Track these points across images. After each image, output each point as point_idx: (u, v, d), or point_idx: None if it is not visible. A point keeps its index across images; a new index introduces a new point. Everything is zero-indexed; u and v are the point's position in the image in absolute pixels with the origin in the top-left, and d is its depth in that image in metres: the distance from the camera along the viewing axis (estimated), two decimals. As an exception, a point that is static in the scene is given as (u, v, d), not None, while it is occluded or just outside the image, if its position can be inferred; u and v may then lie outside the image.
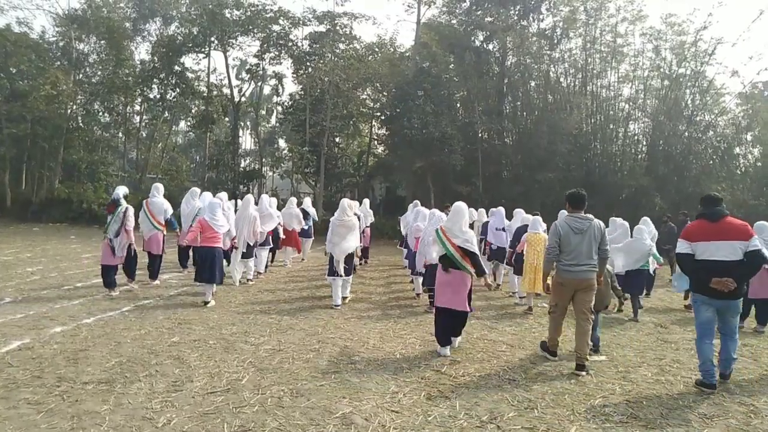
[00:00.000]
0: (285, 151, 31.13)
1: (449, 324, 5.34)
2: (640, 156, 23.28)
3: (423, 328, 6.41)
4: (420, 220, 8.43)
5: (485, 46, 24.65)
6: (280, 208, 11.68)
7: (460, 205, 5.69)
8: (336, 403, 3.86)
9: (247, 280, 9.20)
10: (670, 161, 21.37)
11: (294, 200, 12.09)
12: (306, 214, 11.90)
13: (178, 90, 26.04)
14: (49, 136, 23.64)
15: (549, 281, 5.36)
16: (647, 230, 8.12)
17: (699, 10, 26.85)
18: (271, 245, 10.21)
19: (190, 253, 9.56)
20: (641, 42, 22.83)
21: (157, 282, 8.72)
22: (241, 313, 6.80)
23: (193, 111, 28.56)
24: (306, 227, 11.83)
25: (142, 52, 41.17)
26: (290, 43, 25.26)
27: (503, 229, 9.54)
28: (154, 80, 25.72)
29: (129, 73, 25.85)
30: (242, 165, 31.44)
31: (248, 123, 40.32)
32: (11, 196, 23.56)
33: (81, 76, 26.33)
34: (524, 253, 7.83)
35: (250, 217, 8.79)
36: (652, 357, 5.51)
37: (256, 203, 9.79)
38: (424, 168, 21.76)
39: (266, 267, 10.27)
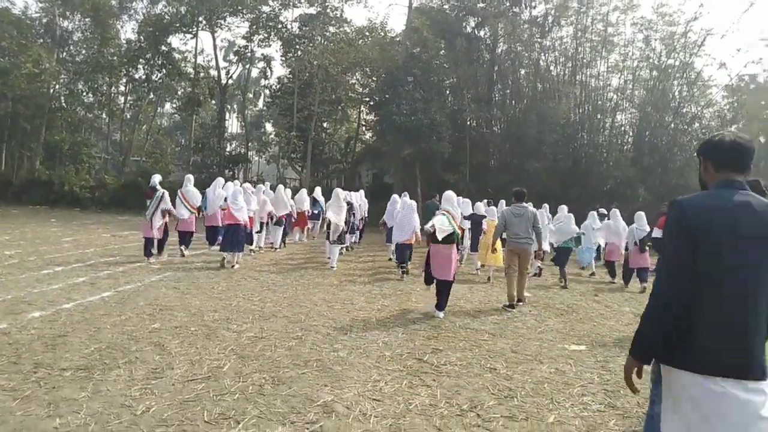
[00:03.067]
0: (272, 136, 30.81)
1: (445, 290, 6.61)
2: (626, 147, 23.45)
3: (406, 316, 6.44)
4: (399, 208, 10.40)
5: (476, 32, 24.49)
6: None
7: (450, 192, 7.19)
8: (317, 391, 3.86)
9: (270, 246, 12.40)
10: (656, 153, 21.54)
11: (305, 190, 15.11)
12: (316, 201, 14.41)
13: (164, 71, 25.60)
14: (30, 115, 23.17)
15: (497, 246, 8.32)
16: (568, 216, 10.17)
17: (690, 0, 26.96)
18: (283, 225, 12.56)
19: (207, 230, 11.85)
20: (632, 32, 22.94)
21: (187, 252, 10.65)
22: (224, 300, 6.77)
23: (179, 93, 28.13)
24: (316, 211, 14.28)
25: (128, 31, 40.33)
26: (280, 25, 24.94)
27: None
28: (140, 60, 25.26)
29: (114, 53, 25.32)
30: (228, 149, 31.03)
31: (235, 106, 39.81)
32: (-10, 177, 23.13)
33: (64, 54, 25.75)
34: (482, 233, 9.85)
35: (262, 200, 11.40)
36: (632, 347, 5.59)
37: (273, 190, 12.95)
38: (412, 155, 21.68)
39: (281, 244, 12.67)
